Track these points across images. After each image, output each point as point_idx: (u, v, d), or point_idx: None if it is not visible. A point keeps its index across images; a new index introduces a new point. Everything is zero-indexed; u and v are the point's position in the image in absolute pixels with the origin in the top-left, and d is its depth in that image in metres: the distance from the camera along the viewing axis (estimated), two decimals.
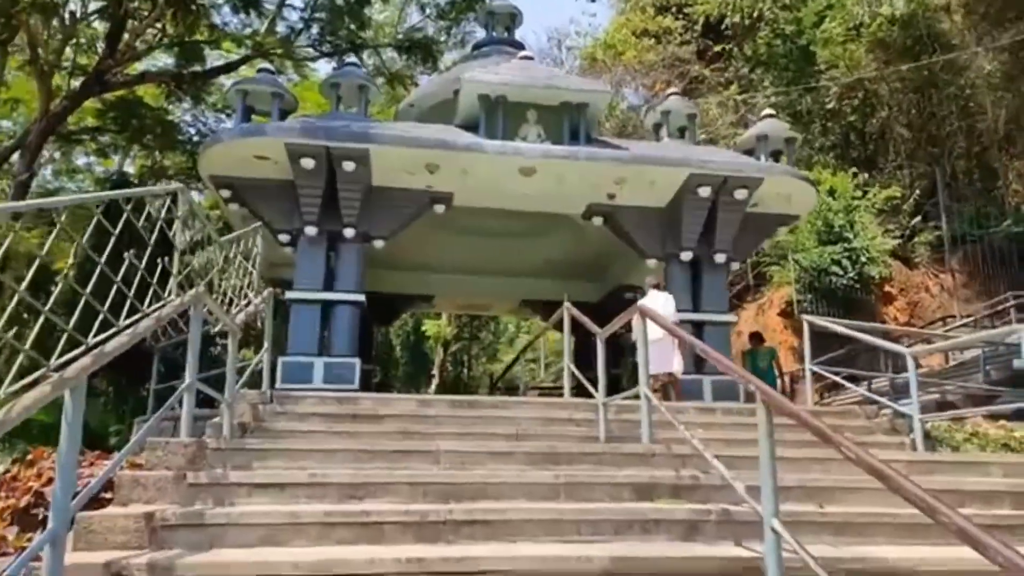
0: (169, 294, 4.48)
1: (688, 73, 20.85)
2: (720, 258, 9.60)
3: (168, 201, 4.86)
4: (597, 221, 9.97)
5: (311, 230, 8.84)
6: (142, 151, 18.25)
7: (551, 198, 9.65)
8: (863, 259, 15.76)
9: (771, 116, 9.86)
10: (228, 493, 3.76)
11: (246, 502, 3.73)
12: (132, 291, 4.41)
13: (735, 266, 10.15)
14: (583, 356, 13.68)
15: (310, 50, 14.45)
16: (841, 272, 15.49)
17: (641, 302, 9.22)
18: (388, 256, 11.33)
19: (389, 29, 17.18)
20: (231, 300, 5.97)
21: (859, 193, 17.25)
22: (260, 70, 8.87)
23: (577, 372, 6.56)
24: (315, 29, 13.93)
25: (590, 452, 4.52)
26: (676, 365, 8.40)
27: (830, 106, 21.28)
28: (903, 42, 20.67)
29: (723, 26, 22.20)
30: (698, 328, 9.50)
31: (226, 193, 9.18)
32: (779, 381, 10.93)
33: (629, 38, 21.46)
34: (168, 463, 4.01)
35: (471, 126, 9.15)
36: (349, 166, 8.45)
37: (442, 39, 16.04)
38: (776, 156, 9.78)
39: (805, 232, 16.17)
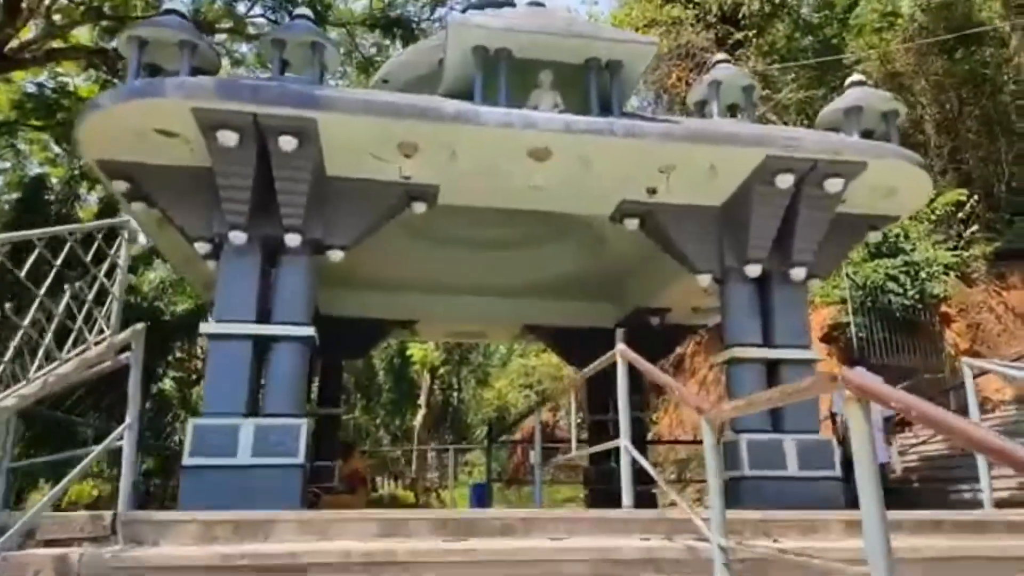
0: None
1: (706, 64, 18.51)
2: (799, 274, 7.10)
3: None
4: (631, 225, 7.45)
5: (238, 237, 6.25)
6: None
7: (571, 193, 7.14)
8: (923, 275, 13.35)
9: (861, 83, 7.42)
10: None
11: None
12: None
13: (814, 283, 7.64)
14: (599, 401, 11.21)
15: (264, 23, 11.92)
16: (900, 290, 13.07)
17: None
18: (352, 271, 8.79)
19: (363, 9, 14.72)
20: (35, 347, 3.36)
21: None
22: (167, 11, 6.29)
23: (647, 465, 3.93)
24: None
25: None
26: (892, 455, 6.59)
27: None
28: (941, 32, 18.51)
29: (739, 16, 19.97)
30: (771, 368, 7.00)
31: (122, 186, 6.59)
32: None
33: (638, 25, 19.12)
34: None
35: (463, 95, 6.66)
36: (288, 143, 5.90)
37: (426, 17, 13.59)
38: (868, 137, 7.33)
39: None
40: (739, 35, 19.61)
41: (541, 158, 6.48)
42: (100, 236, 3.84)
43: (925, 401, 1.90)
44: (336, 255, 6.71)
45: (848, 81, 7.50)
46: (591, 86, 6.58)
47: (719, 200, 7.22)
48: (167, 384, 16.36)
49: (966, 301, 15.19)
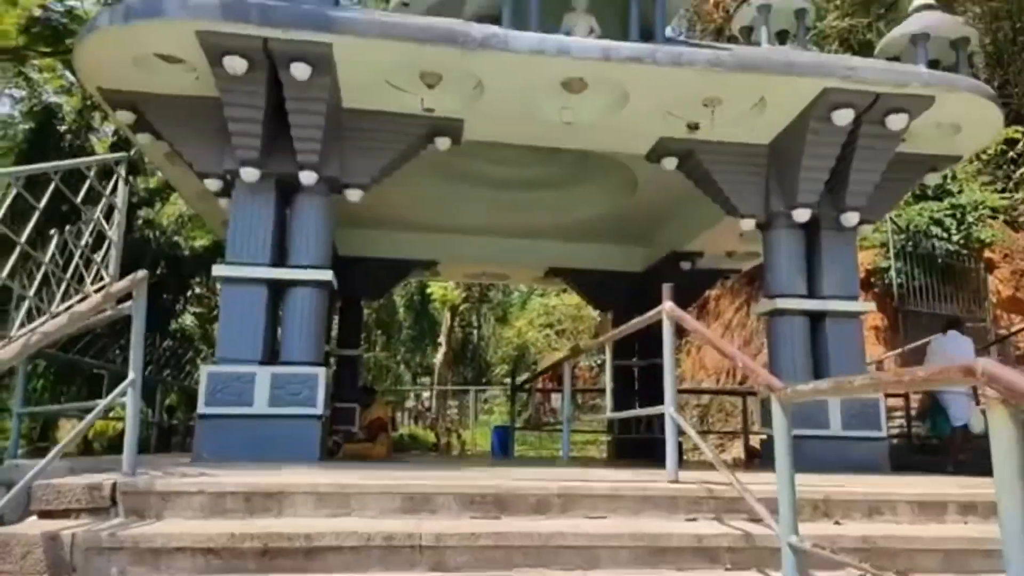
0: None
1: None
2: (850, 219, 6.58)
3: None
4: (669, 164, 6.93)
5: (250, 173, 5.85)
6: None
7: (605, 129, 6.60)
8: (969, 219, 12.64)
9: (929, 7, 6.70)
10: None
11: None
12: None
13: (866, 229, 7.12)
14: (624, 345, 10.77)
15: None
16: (944, 234, 12.40)
17: (933, 346, 7.01)
18: (372, 210, 8.39)
19: None
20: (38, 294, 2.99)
21: None
22: None
23: (692, 432, 3.57)
24: None
25: None
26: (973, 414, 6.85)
27: None
28: None
29: None
30: (816, 321, 6.56)
31: (127, 117, 6.18)
32: None
33: None
34: None
35: (490, 20, 6.06)
36: (302, 71, 5.41)
37: None
38: (933, 67, 6.67)
39: None
40: None
41: (575, 89, 5.95)
42: (92, 173, 3.44)
43: None
44: (354, 194, 6.30)
45: (914, 4, 6.78)
46: (631, 9, 5.97)
47: (767, 138, 6.66)
48: (187, 320, 16.24)
49: (1011, 246, 14.46)
